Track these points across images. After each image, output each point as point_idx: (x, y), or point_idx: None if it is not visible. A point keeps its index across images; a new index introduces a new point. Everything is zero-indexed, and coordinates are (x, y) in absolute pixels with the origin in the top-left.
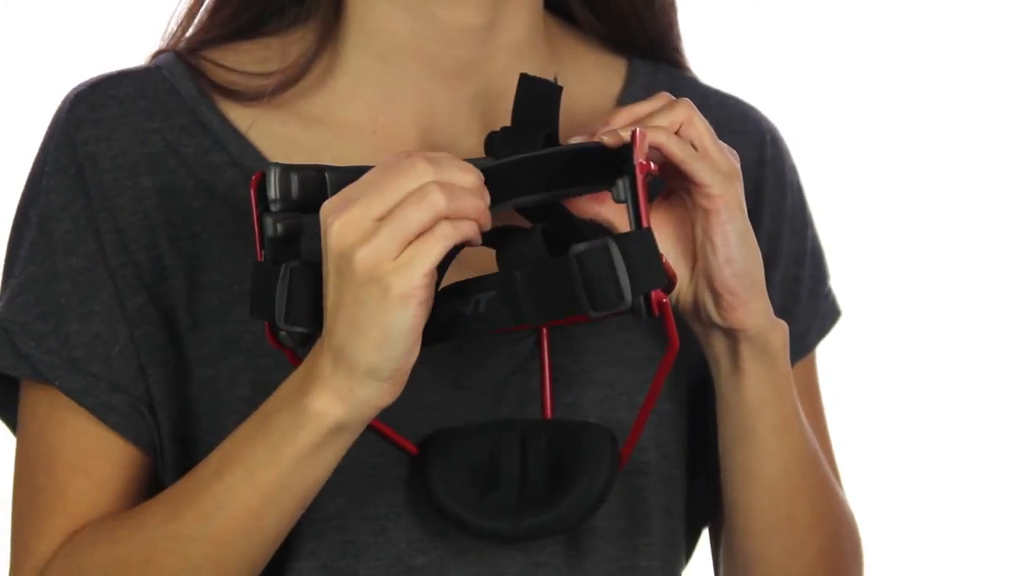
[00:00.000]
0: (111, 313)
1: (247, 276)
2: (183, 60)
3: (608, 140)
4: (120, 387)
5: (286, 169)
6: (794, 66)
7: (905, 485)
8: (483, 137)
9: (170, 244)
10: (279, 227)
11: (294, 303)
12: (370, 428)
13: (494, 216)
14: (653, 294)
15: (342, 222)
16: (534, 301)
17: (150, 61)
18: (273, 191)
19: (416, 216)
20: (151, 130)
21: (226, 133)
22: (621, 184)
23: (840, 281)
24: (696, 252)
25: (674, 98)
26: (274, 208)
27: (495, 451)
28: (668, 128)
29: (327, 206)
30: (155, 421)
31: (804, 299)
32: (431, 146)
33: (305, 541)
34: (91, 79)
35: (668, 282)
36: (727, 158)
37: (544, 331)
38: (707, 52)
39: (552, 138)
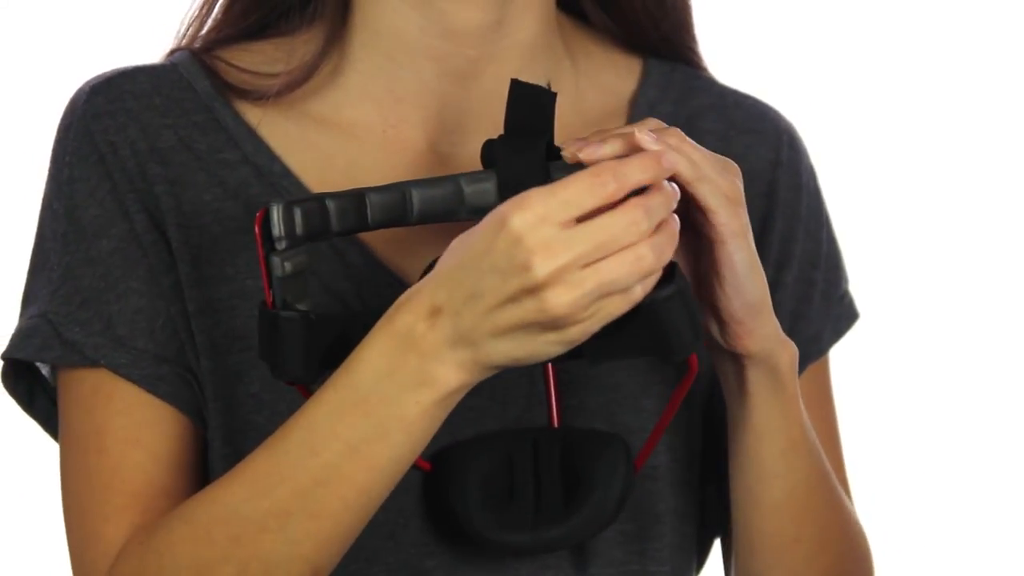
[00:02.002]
0: (150, 288)
1: (259, 271)
2: (198, 59)
3: (584, 156)
4: (166, 358)
5: (289, 205)
6: (813, 66)
7: (918, 490)
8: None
9: (178, 230)
10: (287, 266)
11: (290, 355)
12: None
13: None
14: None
15: (552, 260)
16: (598, 341)
17: (165, 59)
18: (277, 229)
19: (624, 279)
20: (165, 125)
21: (240, 131)
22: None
23: (855, 283)
24: (699, 279)
25: (664, 125)
26: (279, 246)
27: (508, 463)
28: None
29: (529, 220)
30: (202, 392)
31: (817, 301)
32: (441, 145)
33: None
34: (106, 73)
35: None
36: (731, 182)
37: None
38: (726, 52)
39: (551, 147)
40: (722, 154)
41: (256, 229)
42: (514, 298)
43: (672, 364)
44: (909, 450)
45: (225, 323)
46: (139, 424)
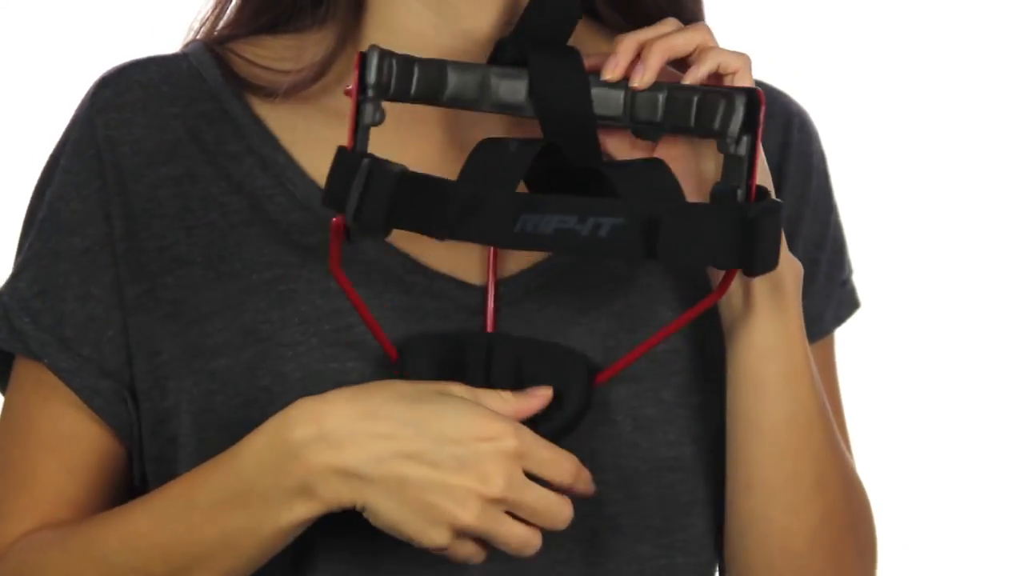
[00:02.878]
0: (109, 297)
1: (265, 265)
2: (210, 49)
3: (611, 75)
4: (108, 372)
5: (384, 55)
6: (826, 62)
7: (926, 485)
8: (506, 132)
9: (186, 233)
10: (378, 115)
11: (367, 202)
12: (340, 340)
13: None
14: None
15: (508, 491)
16: (675, 243)
17: (178, 51)
18: (373, 75)
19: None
20: (172, 115)
21: (247, 122)
22: (745, 140)
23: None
24: (706, 187)
25: (682, 24)
26: (372, 94)
27: (463, 361)
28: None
29: (513, 447)
30: (137, 412)
31: (820, 281)
32: (454, 144)
33: (327, 528)
34: (120, 64)
35: None
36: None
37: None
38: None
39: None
40: None
41: (355, 71)
42: (450, 488)
43: (755, 276)
44: (912, 447)
45: (236, 320)
46: (64, 434)
